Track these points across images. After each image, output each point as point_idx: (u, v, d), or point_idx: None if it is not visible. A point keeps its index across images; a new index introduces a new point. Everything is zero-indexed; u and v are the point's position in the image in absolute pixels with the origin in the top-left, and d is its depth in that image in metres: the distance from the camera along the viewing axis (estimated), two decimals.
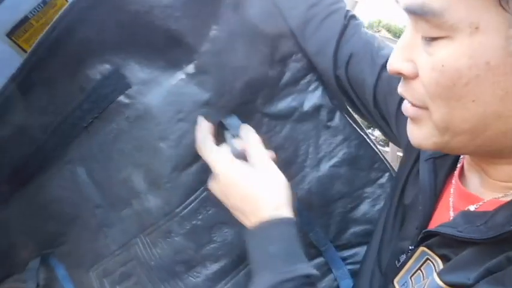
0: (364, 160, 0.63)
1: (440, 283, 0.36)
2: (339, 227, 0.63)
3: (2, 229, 0.64)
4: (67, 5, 0.53)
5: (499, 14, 0.31)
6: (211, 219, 0.58)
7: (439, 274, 0.36)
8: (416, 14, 0.35)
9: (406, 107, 0.40)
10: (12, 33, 0.56)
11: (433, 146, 0.39)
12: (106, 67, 0.56)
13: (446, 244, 0.38)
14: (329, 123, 0.62)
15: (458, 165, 0.44)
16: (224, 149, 0.54)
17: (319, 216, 0.62)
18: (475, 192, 0.40)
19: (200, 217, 0.58)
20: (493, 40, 0.32)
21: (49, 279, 0.66)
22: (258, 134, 0.59)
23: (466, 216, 0.37)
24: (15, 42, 0.57)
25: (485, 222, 0.34)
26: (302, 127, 0.61)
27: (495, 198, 0.37)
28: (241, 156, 0.54)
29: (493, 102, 0.34)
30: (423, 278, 0.39)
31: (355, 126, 0.63)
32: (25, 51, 0.57)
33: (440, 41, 0.34)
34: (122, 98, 0.57)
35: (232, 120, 0.58)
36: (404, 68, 0.38)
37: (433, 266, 0.38)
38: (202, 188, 0.57)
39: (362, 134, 0.63)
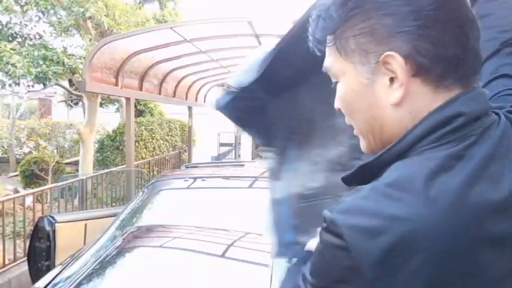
0: None
1: None
2: None
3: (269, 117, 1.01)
4: None
5: (347, 63, 0.60)
6: None
7: None
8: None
9: None
10: None
11: (368, 149, 0.64)
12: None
13: None
14: None
15: None
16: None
17: None
18: None
19: None
20: (353, 77, 0.60)
21: None
22: None
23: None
24: None
25: None
26: None
27: None
28: None
29: (367, 110, 0.60)
30: None
31: None
32: None
33: (338, 84, 0.64)
34: None
35: None
36: (337, 105, 0.66)
37: None
38: None
39: None
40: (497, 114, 0.58)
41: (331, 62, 0.63)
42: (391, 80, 0.56)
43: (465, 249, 0.49)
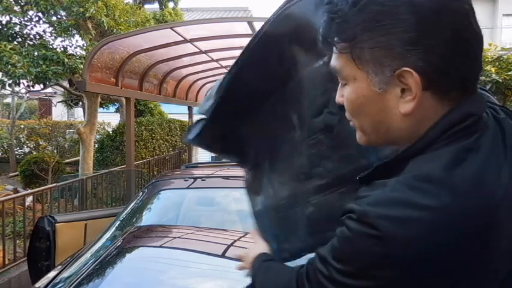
0: None
1: None
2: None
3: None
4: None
5: (360, 71, 0.62)
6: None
7: None
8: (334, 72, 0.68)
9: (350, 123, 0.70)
10: None
11: (366, 142, 0.69)
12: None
13: None
14: None
15: None
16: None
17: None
18: None
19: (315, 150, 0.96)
20: (363, 84, 0.63)
21: None
22: None
23: None
24: None
25: None
26: None
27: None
28: None
29: (375, 115, 0.64)
30: None
31: None
32: None
33: (345, 86, 0.67)
34: None
35: None
36: (340, 101, 0.69)
37: None
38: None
39: None
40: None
41: (342, 66, 0.65)
42: (403, 90, 0.60)
43: (480, 231, 0.55)
